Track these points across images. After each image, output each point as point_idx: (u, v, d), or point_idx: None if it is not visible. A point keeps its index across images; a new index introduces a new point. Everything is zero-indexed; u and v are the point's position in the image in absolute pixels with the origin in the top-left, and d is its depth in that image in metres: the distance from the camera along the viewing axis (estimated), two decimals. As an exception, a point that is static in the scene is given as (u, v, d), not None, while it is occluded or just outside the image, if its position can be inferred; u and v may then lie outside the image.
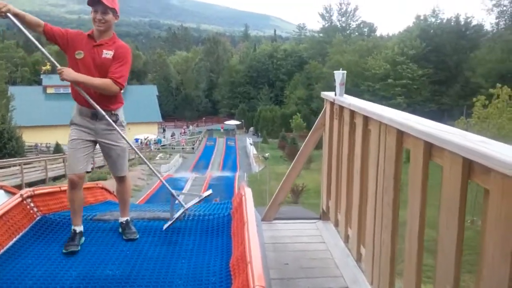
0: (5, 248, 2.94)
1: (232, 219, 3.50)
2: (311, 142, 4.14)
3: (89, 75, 2.94)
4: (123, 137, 3.15)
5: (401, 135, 2.16)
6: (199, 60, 79.03)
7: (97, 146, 3.24)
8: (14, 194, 4.29)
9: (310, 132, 4.13)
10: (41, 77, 54.74)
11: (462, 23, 59.29)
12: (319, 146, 4.16)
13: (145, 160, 3.60)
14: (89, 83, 2.92)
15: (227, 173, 30.80)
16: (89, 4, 2.95)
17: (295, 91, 64.72)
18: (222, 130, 62.31)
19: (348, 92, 3.45)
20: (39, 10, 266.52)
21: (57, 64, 2.99)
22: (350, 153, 3.13)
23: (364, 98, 3.67)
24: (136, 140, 44.02)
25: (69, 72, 2.88)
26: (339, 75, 3.46)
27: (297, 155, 4.22)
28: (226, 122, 62.43)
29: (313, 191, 21.77)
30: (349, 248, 3.21)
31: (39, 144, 38.30)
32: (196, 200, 3.49)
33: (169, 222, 3.33)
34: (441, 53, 57.22)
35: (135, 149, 3.34)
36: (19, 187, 14.61)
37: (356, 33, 70.76)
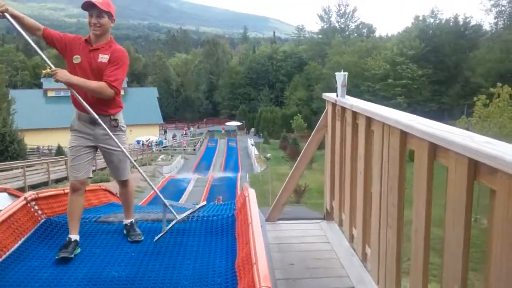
0: (10, 251, 2.95)
1: (236, 220, 3.50)
2: (313, 143, 4.15)
3: (86, 79, 2.92)
4: (117, 144, 3.07)
5: (404, 136, 2.17)
6: (198, 62, 79.14)
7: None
8: (17, 197, 4.31)
9: (312, 133, 4.14)
10: (42, 80, 54.78)
11: (461, 23, 59.32)
12: (321, 146, 4.17)
13: (139, 168, 3.45)
14: (83, 86, 2.90)
15: (229, 174, 30.83)
16: (83, 8, 2.94)
17: (295, 92, 64.78)
18: (223, 131, 62.35)
19: (348, 92, 3.47)
20: (38, 14, 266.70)
21: (52, 65, 2.96)
22: (353, 154, 3.14)
23: (364, 98, 3.69)
24: (138, 142, 44.07)
25: (64, 74, 2.86)
26: (341, 76, 3.47)
27: (299, 156, 4.24)
28: (227, 123, 62.47)
29: (316, 191, 21.77)
30: (354, 247, 3.22)
31: (41, 147, 38.33)
32: (190, 211, 3.35)
33: (161, 234, 3.19)
34: (440, 53, 57.25)
35: (129, 157, 3.19)
36: (22, 189, 14.62)
37: (355, 34, 70.83)
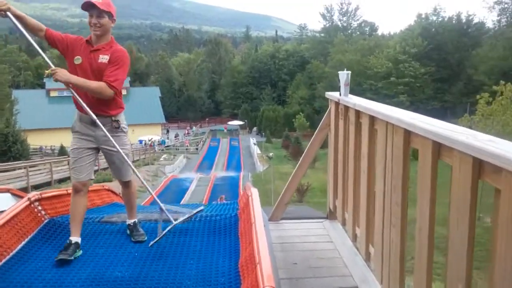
0: (14, 252, 2.96)
1: (239, 220, 3.50)
2: (316, 142, 4.15)
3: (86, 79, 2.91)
4: (115, 145, 3.03)
5: (408, 134, 2.16)
6: (201, 62, 79.20)
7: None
8: (21, 197, 4.32)
9: (315, 132, 4.13)
10: (44, 80, 54.86)
11: (464, 21, 59.21)
12: (323, 145, 4.16)
13: (136, 171, 3.34)
14: (82, 86, 2.89)
15: (232, 173, 30.87)
16: (83, 8, 2.93)
17: (297, 91, 64.75)
18: (225, 130, 62.39)
19: (350, 91, 3.47)
20: (41, 14, 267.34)
21: (51, 64, 2.95)
22: (356, 153, 3.14)
23: (366, 97, 3.68)
24: (140, 141, 44.17)
25: (63, 73, 2.85)
26: (344, 75, 3.46)
27: (302, 155, 4.23)
28: (229, 123, 62.50)
29: (318, 189, 21.78)
30: (357, 247, 3.22)
31: (44, 147, 38.45)
32: (186, 216, 3.28)
33: (157, 238, 3.11)
34: (443, 51, 57.13)
35: (127, 160, 3.12)
36: (25, 189, 14.66)
37: (358, 33, 70.75)
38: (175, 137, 54.35)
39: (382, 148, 2.51)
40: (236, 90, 72.69)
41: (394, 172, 2.33)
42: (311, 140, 4.16)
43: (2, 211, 3.25)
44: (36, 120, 43.75)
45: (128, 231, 3.39)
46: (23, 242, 3.11)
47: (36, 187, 17.56)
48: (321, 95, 52.66)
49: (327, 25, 73.18)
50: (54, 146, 36.91)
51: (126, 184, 3.34)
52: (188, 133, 59.44)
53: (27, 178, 18.32)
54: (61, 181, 20.59)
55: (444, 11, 66.74)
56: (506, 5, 55.78)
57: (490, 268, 1.46)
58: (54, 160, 23.62)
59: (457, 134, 1.68)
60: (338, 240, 3.62)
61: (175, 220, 3.20)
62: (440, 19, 61.27)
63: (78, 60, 2.98)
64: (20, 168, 19.73)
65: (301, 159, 4.25)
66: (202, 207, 3.52)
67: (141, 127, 46.77)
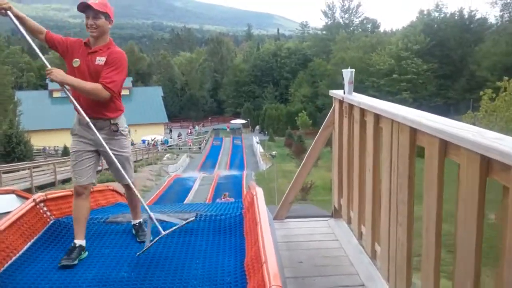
0: (20, 253, 2.97)
1: (244, 219, 3.50)
2: (320, 141, 4.14)
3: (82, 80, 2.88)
4: (107, 149, 2.97)
5: (414, 132, 2.15)
6: (203, 61, 79.23)
7: None
8: (25, 198, 4.33)
9: (319, 131, 4.12)
10: (47, 81, 54.94)
11: (466, 16, 59.02)
12: (326, 143, 4.16)
13: (126, 177, 3.21)
14: (77, 86, 2.85)
15: (235, 172, 30.88)
16: (79, 10, 2.91)
17: (300, 89, 64.70)
18: (228, 129, 62.41)
19: (353, 88, 3.45)
20: (43, 15, 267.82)
21: (48, 64, 2.93)
22: (361, 151, 3.13)
23: (369, 94, 3.67)
24: (143, 141, 44.27)
25: (59, 73, 2.82)
26: (348, 73, 3.45)
27: (307, 154, 4.23)
28: (232, 121, 62.51)
29: (321, 188, 21.76)
30: (363, 245, 3.21)
31: (47, 148, 38.56)
32: (177, 226, 3.10)
33: (145, 248, 2.95)
34: (445, 47, 56.98)
35: (118, 166, 3.00)
36: (28, 190, 14.72)
37: (360, 30, 70.70)
38: (178, 136, 54.43)
39: (388, 147, 2.50)
40: (238, 89, 72.67)
41: (400, 170, 2.32)
42: (315, 138, 4.15)
43: (8, 212, 3.27)
44: (39, 121, 43.88)
45: (133, 231, 3.39)
46: (29, 243, 3.11)
47: (40, 187, 17.64)
48: (324, 93, 52.70)
49: (329, 22, 73.11)
50: (57, 146, 36.99)
51: (127, 186, 3.28)
52: (191, 132, 59.51)
53: (31, 179, 18.39)
54: (64, 181, 20.65)
55: (446, 7, 66.62)
56: (508, 0, 55.58)
57: (499, 267, 1.46)
58: (57, 161, 23.70)
59: (464, 132, 1.67)
60: (344, 238, 3.61)
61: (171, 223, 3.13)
62: (442, 15, 61.14)
63: (76, 62, 2.96)
64: (24, 169, 19.81)
65: (305, 157, 4.25)
66: (193, 218, 3.42)
67: (144, 127, 46.91)
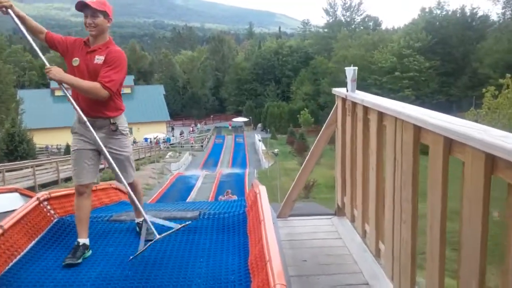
0: (24, 251, 2.97)
1: (247, 217, 3.50)
2: (323, 139, 4.13)
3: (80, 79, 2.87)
4: (104, 150, 2.96)
5: (418, 130, 2.14)
6: (204, 59, 79.24)
7: None
8: (28, 196, 4.34)
9: (322, 129, 4.12)
10: (49, 80, 55.01)
11: (468, 14, 58.94)
12: (329, 141, 4.16)
13: (121, 177, 3.18)
14: (76, 85, 2.84)
15: (237, 170, 30.90)
16: (77, 9, 2.90)
17: (301, 87, 64.67)
18: (230, 127, 62.42)
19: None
20: (45, 14, 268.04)
21: (46, 63, 2.92)
22: (364, 149, 3.12)
23: (371, 92, 3.66)
24: (146, 139, 44.36)
25: (57, 72, 2.81)
26: (350, 71, 3.45)
27: (309, 152, 4.22)
28: (234, 119, 62.55)
29: (324, 185, 21.77)
30: (367, 243, 3.21)
31: (50, 146, 38.65)
32: (171, 230, 3.04)
33: (138, 252, 2.90)
34: (447, 45, 56.88)
35: (114, 167, 3.00)
36: (32, 188, 14.77)
37: (361, 27, 70.53)
38: (180, 134, 54.48)
39: (391, 144, 2.49)
40: (240, 87, 72.70)
41: (403, 168, 2.32)
42: (318, 136, 4.15)
43: (12, 211, 3.27)
44: (41, 120, 43.99)
45: (137, 229, 3.39)
46: (33, 242, 3.12)
47: (43, 186, 17.70)
48: (326, 91, 52.64)
49: (331, 20, 73.00)
50: (60, 145, 37.10)
51: (129, 185, 3.28)
52: (193, 131, 59.54)
53: (34, 177, 18.44)
54: (67, 179, 20.71)
55: (448, 4, 66.49)
56: (511, -2, 55.40)
57: (505, 265, 1.45)
58: (60, 159, 23.75)
59: (469, 129, 1.66)
60: (347, 236, 3.61)
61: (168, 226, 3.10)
62: (444, 13, 61.01)
63: (76, 61, 2.95)
64: (27, 168, 19.88)
65: (308, 156, 4.24)
66: (189, 222, 3.37)
67: (146, 125, 47.00)
